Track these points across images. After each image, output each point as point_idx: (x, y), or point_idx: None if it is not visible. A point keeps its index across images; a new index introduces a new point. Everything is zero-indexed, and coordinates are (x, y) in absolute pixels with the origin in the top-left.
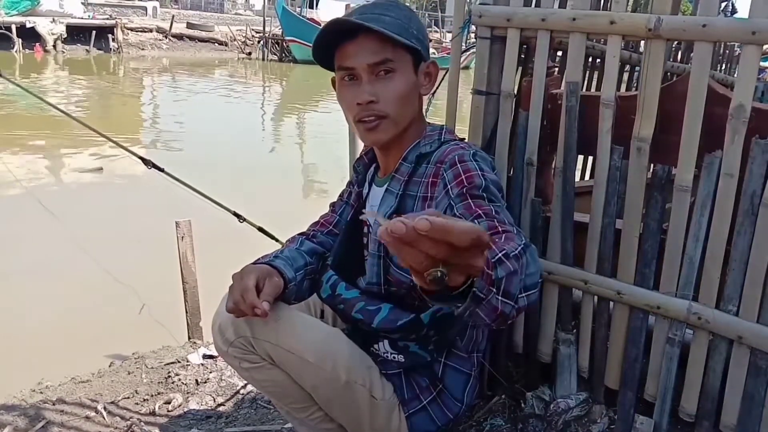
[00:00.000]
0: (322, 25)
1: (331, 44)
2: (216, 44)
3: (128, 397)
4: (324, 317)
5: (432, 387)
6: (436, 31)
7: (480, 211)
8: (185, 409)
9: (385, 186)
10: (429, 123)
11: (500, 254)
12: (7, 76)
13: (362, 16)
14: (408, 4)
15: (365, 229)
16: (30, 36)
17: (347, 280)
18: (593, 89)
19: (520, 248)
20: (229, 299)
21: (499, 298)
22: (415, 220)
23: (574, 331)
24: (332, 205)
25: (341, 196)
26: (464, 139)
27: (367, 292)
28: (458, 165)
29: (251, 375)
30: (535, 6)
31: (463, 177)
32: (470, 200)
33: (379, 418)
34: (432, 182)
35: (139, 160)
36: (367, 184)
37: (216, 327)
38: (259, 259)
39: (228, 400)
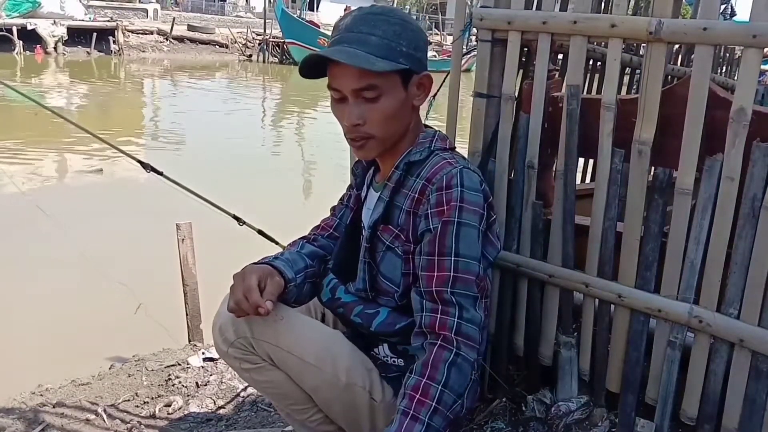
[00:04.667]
0: (320, 28)
1: (319, 64)
2: (217, 47)
3: (128, 400)
4: (325, 321)
5: None
6: (437, 34)
7: (436, 270)
8: (185, 412)
9: (379, 194)
10: (427, 126)
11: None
12: (5, 82)
13: (348, 34)
14: (408, 8)
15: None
16: (31, 38)
17: (347, 284)
18: (594, 92)
19: (439, 370)
20: (231, 299)
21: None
22: None
23: (575, 334)
24: (333, 208)
25: (342, 199)
26: (455, 149)
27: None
28: (443, 192)
29: (251, 376)
30: (536, 9)
31: (445, 208)
32: (436, 245)
33: (378, 421)
34: (418, 199)
35: (138, 164)
36: (365, 187)
37: (216, 327)
38: (259, 260)
39: (228, 402)
